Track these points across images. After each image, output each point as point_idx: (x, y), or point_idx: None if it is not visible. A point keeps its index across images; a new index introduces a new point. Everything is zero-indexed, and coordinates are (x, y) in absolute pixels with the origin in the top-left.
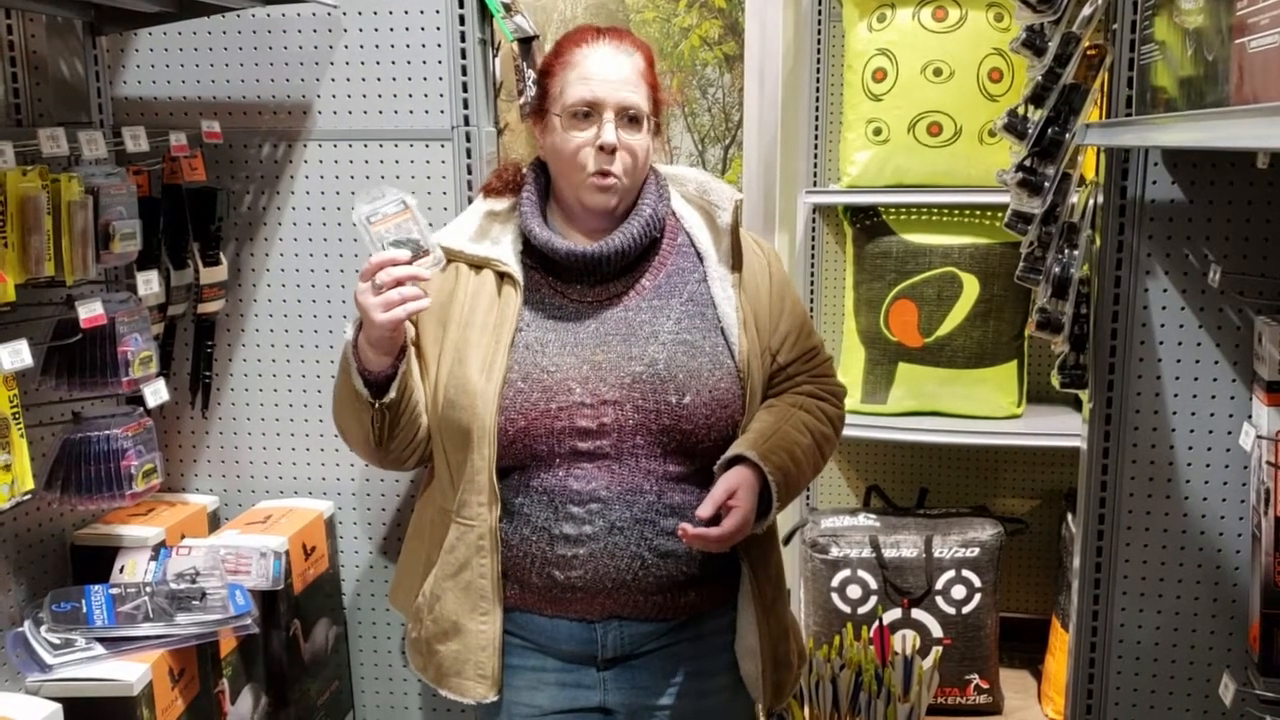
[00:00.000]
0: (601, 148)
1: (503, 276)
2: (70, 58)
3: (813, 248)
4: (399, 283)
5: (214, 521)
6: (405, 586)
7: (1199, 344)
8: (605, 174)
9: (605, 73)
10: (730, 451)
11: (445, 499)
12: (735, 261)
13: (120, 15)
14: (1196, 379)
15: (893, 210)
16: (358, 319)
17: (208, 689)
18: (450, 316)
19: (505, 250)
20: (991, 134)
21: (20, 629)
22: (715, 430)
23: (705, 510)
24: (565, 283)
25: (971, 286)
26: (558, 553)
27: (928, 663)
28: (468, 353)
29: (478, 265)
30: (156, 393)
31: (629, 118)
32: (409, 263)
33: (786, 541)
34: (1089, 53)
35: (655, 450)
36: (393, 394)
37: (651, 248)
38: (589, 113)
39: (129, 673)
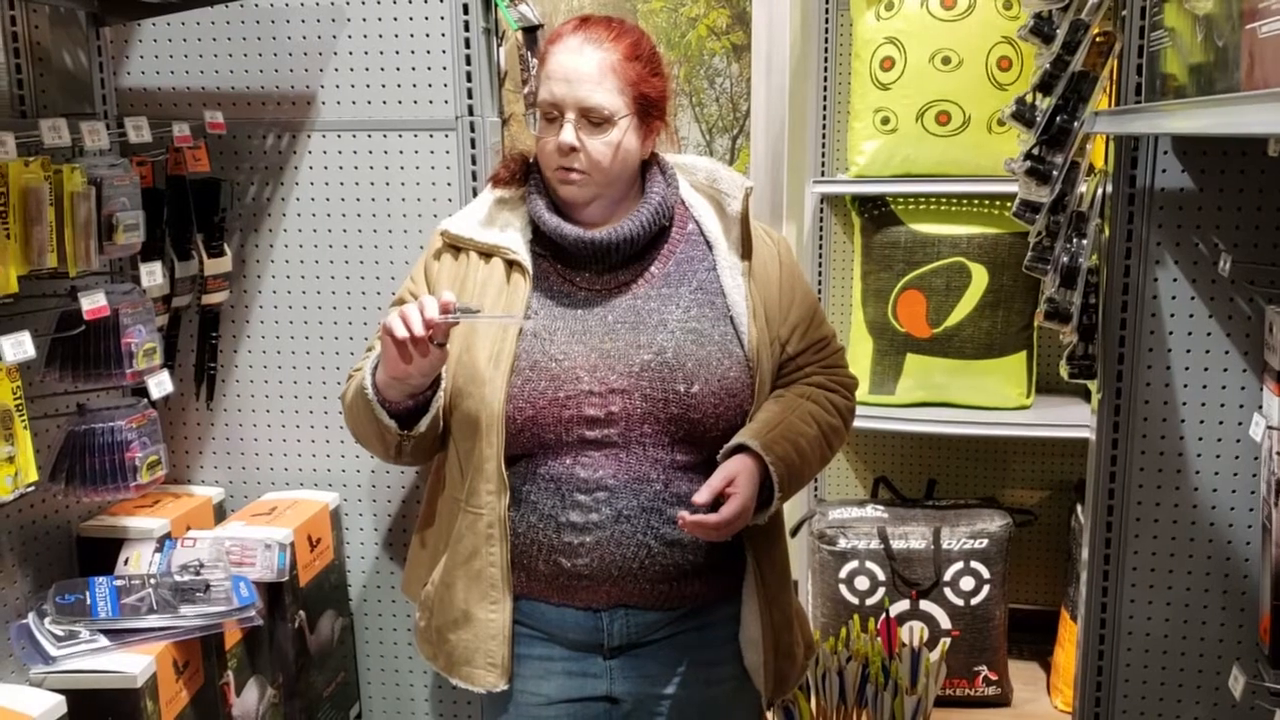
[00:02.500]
0: (557, 148)
1: (511, 264)
2: (74, 48)
3: (820, 237)
4: (415, 339)
5: (219, 513)
6: (416, 576)
7: (1209, 334)
8: (568, 169)
9: (565, 72)
10: (733, 440)
11: (454, 488)
12: (745, 250)
13: (123, 5)
14: (1206, 369)
15: (901, 200)
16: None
17: (212, 681)
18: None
19: (513, 238)
20: (1000, 122)
21: (24, 620)
22: (723, 420)
23: (702, 496)
24: (574, 270)
25: (980, 276)
26: (564, 540)
27: (935, 655)
28: (475, 341)
29: (486, 253)
30: (160, 384)
31: (590, 118)
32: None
33: (794, 533)
34: (1098, 39)
35: (663, 439)
36: (423, 428)
37: (660, 236)
38: (553, 115)
39: (133, 665)
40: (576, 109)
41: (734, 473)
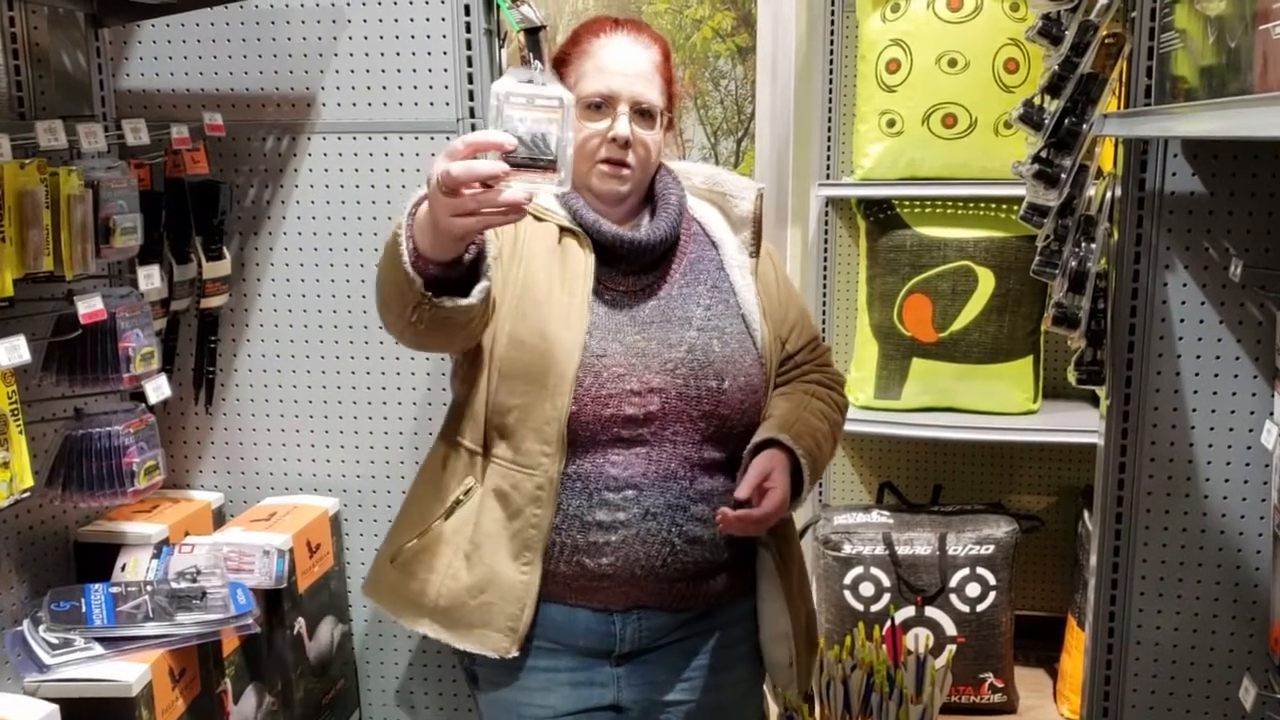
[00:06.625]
0: (614, 139)
1: (564, 230)
2: (72, 50)
3: (825, 241)
4: (487, 185)
5: (218, 518)
6: (405, 532)
7: (1219, 339)
8: (616, 163)
9: (621, 65)
10: (760, 435)
11: (477, 442)
12: (754, 250)
13: (122, 7)
14: (1217, 375)
15: (907, 203)
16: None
17: (209, 689)
18: (511, 245)
19: (558, 217)
20: (1007, 125)
21: (19, 628)
22: (747, 416)
23: (743, 492)
24: (602, 267)
25: (987, 280)
26: (590, 540)
27: (940, 662)
28: (539, 295)
29: (538, 216)
30: (158, 389)
31: (641, 112)
32: (517, 164)
33: (799, 538)
34: (1107, 41)
35: (693, 436)
36: (473, 299)
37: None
38: (601, 104)
39: (128, 673)
40: (631, 102)
41: (769, 467)
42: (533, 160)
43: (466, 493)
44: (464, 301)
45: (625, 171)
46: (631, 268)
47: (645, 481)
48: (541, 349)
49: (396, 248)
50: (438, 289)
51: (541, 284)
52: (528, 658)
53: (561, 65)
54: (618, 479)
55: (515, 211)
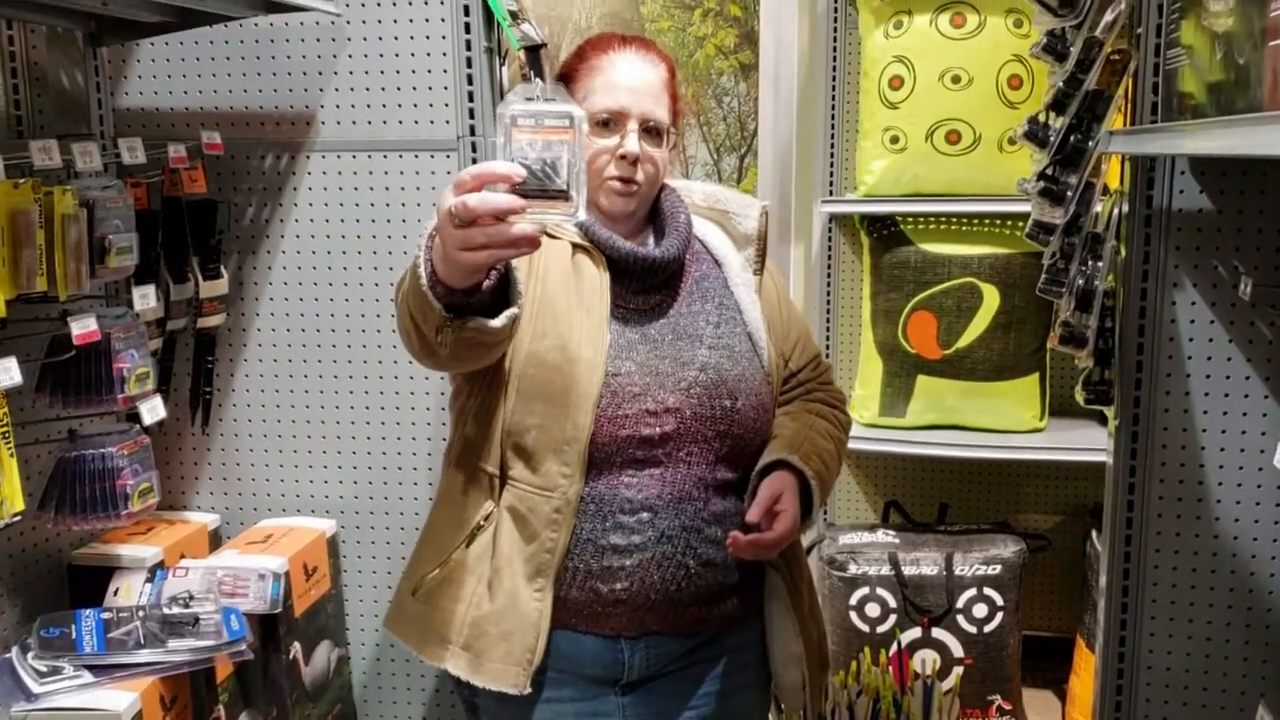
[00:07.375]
0: (624, 157)
1: (576, 248)
2: (71, 69)
3: (829, 258)
4: (498, 217)
5: (215, 540)
6: (424, 563)
7: (1229, 359)
8: (626, 180)
9: (630, 82)
10: (769, 456)
11: (486, 459)
12: (758, 267)
13: (121, 26)
14: (1227, 395)
15: (910, 220)
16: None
17: (202, 716)
18: (526, 262)
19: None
20: (1011, 142)
21: (8, 655)
22: (760, 435)
23: (754, 515)
24: (614, 283)
25: (992, 297)
26: (604, 564)
27: (948, 684)
28: (557, 311)
29: (551, 234)
30: (153, 410)
31: (650, 129)
32: (527, 194)
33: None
34: (1112, 58)
35: (707, 456)
36: (500, 322)
37: None
38: (610, 121)
39: (117, 702)
40: (641, 119)
41: (778, 490)
42: (543, 191)
43: (487, 518)
44: (491, 324)
45: (634, 189)
46: (642, 285)
47: (660, 503)
48: (562, 367)
49: (416, 273)
50: (461, 312)
51: (559, 301)
52: (532, 688)
53: (568, 81)
54: (633, 501)
55: (528, 244)
